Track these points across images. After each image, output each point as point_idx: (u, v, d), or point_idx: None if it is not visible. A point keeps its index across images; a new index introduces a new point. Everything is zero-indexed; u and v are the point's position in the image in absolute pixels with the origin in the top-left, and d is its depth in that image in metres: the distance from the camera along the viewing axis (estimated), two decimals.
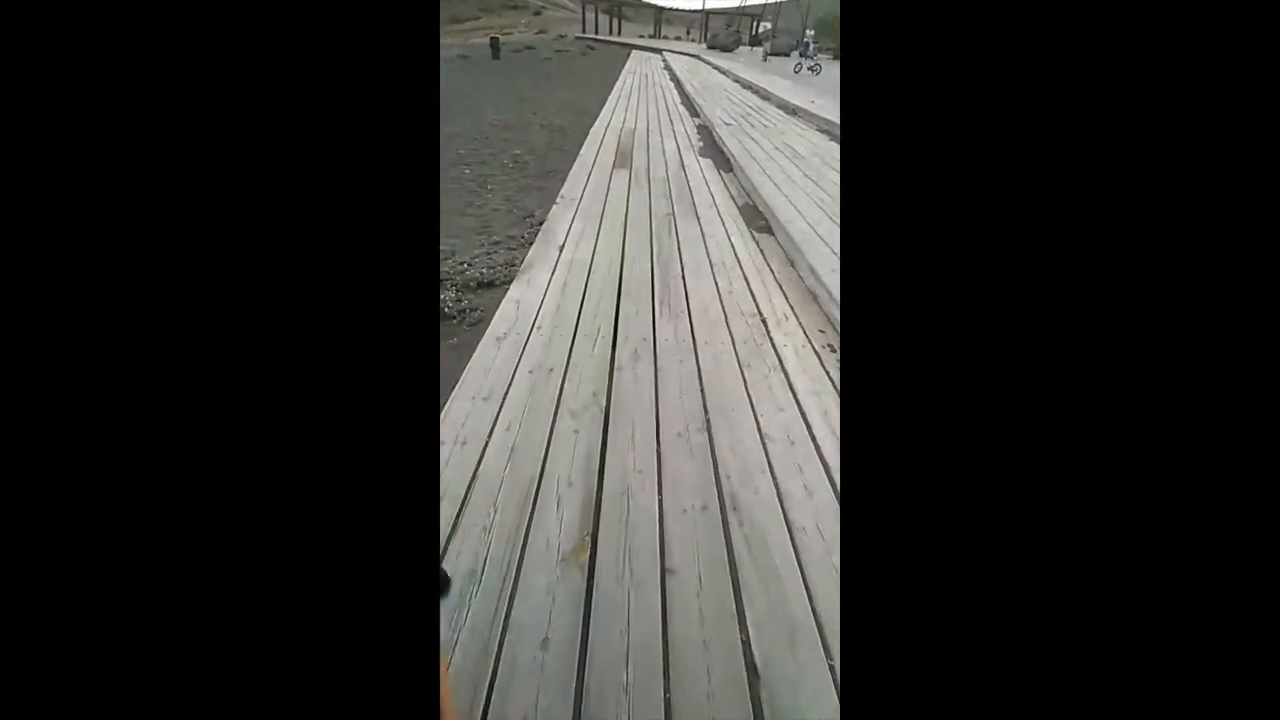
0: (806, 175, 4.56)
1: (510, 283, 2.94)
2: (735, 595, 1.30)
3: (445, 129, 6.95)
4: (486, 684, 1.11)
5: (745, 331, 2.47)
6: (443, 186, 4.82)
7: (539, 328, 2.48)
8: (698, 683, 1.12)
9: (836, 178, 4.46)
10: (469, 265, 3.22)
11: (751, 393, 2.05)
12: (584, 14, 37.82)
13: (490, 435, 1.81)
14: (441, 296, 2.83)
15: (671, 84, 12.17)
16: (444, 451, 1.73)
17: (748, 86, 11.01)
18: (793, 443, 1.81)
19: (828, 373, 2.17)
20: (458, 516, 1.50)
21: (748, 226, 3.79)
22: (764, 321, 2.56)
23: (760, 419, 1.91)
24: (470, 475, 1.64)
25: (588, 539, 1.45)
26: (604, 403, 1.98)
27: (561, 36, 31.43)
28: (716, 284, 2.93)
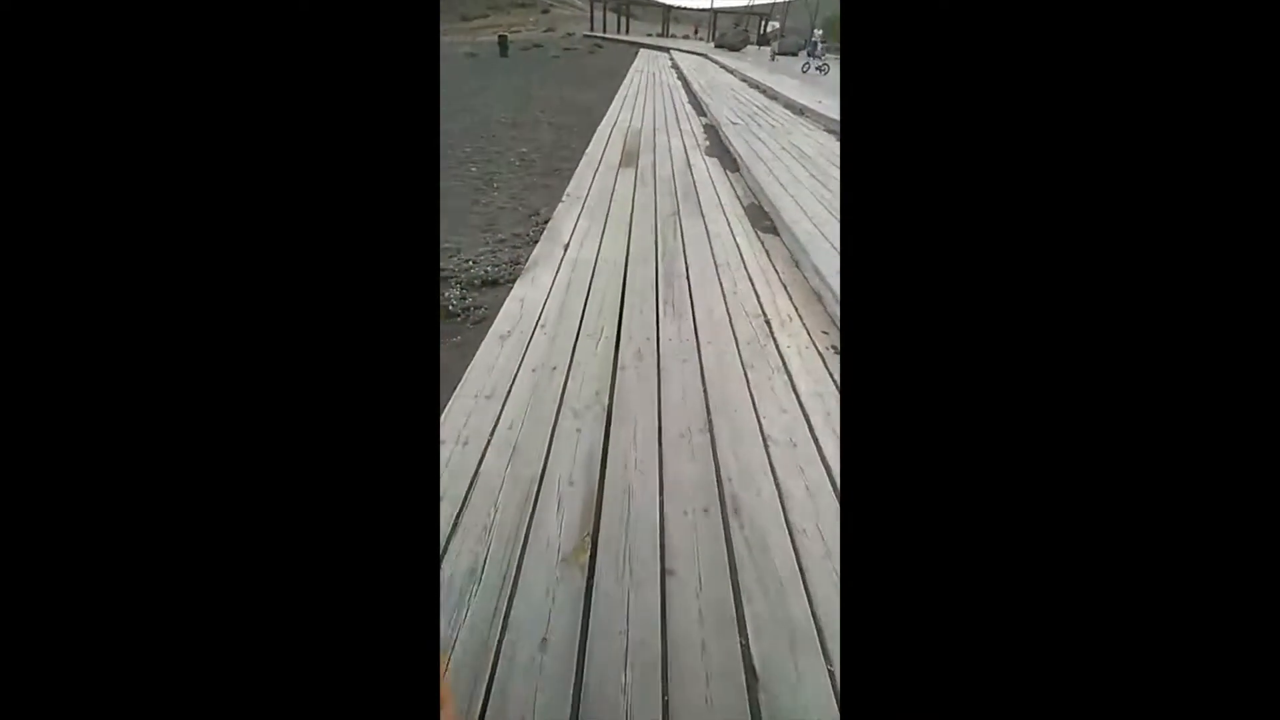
0: (813, 175, 4.54)
1: (514, 281, 2.94)
2: (735, 598, 1.30)
3: (453, 125, 6.96)
4: (485, 683, 1.11)
5: (749, 332, 2.46)
6: (449, 183, 4.83)
7: (543, 326, 2.48)
8: (696, 685, 1.12)
9: None
10: (473, 263, 3.23)
11: (754, 394, 2.04)
12: (592, 12, 37.80)
13: (492, 434, 1.81)
14: (446, 294, 2.83)
15: (679, 83, 12.14)
16: (445, 450, 1.73)
17: (755, 86, 10.98)
18: (795, 445, 1.80)
19: (831, 374, 2.17)
20: (458, 515, 1.50)
21: (753, 227, 3.78)
22: (768, 322, 2.56)
23: (763, 420, 1.90)
24: (472, 474, 1.64)
25: (588, 539, 1.45)
26: (606, 402, 1.98)
27: (569, 35, 31.42)
28: (721, 284, 2.92)
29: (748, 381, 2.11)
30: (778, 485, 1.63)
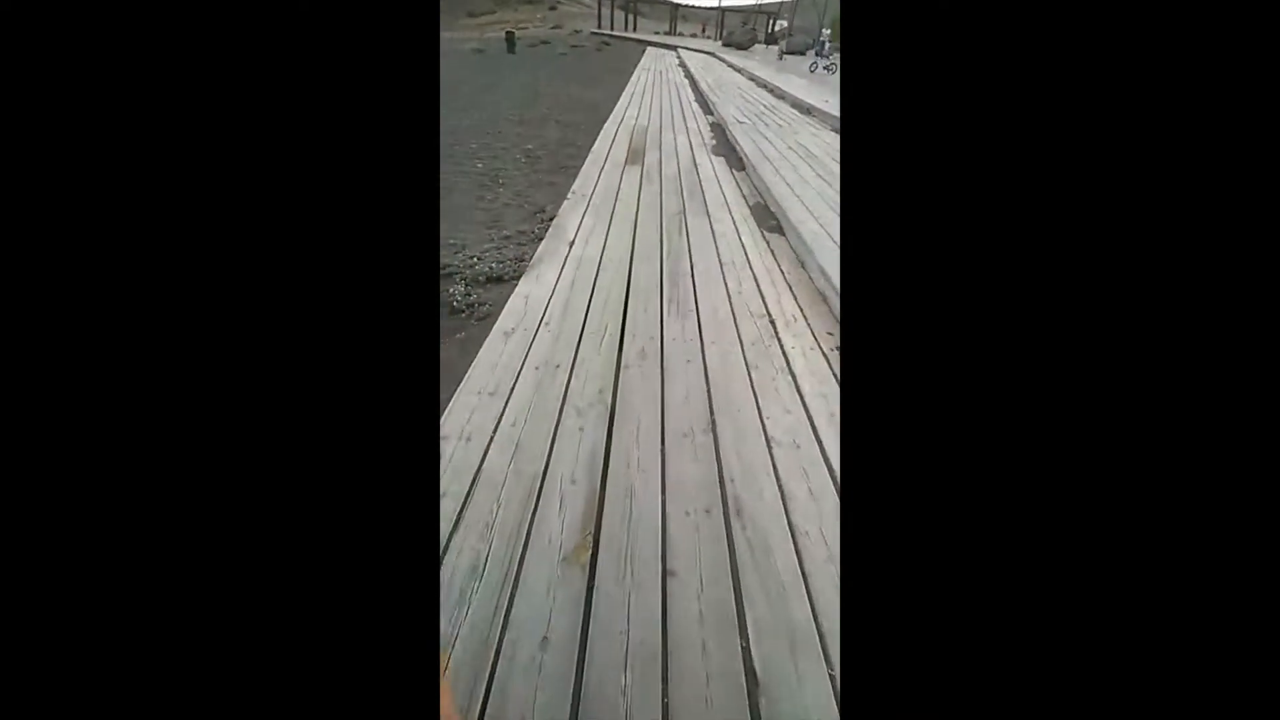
0: (819, 175, 4.52)
1: (519, 278, 2.93)
2: (736, 600, 1.29)
3: (459, 122, 6.96)
4: (485, 681, 1.11)
5: (754, 332, 2.46)
6: (455, 179, 4.83)
7: (547, 324, 2.48)
8: (696, 686, 1.12)
9: None
10: (478, 259, 3.22)
11: (758, 394, 2.03)
12: (599, 10, 37.73)
13: (495, 431, 1.81)
14: (450, 290, 2.83)
15: (686, 81, 12.11)
16: (449, 446, 1.73)
17: (762, 85, 10.95)
18: (798, 446, 1.79)
19: (835, 376, 2.16)
20: (461, 512, 1.50)
21: (759, 226, 3.77)
22: (773, 323, 2.55)
23: (766, 421, 1.90)
24: (474, 471, 1.64)
25: (589, 538, 1.44)
26: (610, 401, 1.98)
27: (577, 32, 31.39)
28: (726, 284, 2.92)
29: (751, 382, 2.11)
30: (780, 487, 1.62)
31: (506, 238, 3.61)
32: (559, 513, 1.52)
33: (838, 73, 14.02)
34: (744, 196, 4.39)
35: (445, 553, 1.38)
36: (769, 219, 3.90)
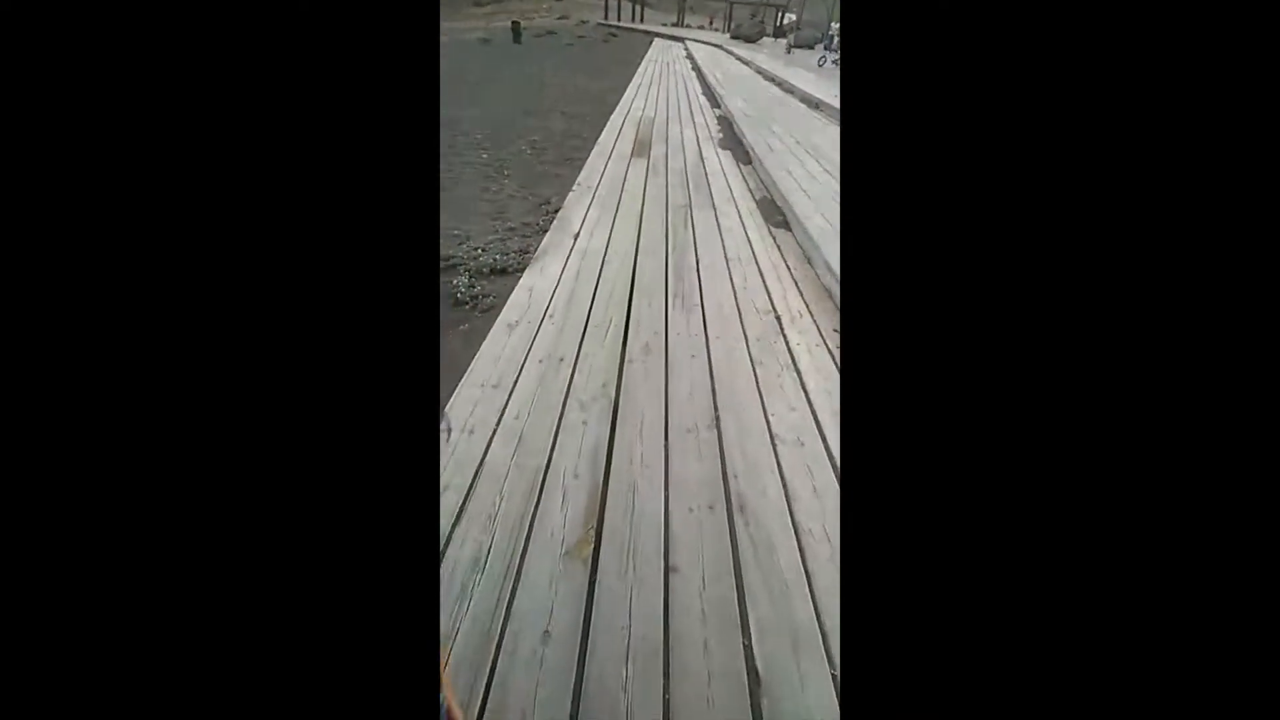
0: (826, 171, 4.49)
1: (523, 270, 2.92)
2: (739, 597, 1.29)
3: (465, 112, 6.93)
4: (486, 674, 1.11)
5: (759, 328, 2.44)
6: (460, 170, 4.81)
7: (551, 317, 2.47)
8: (698, 684, 1.11)
9: None
10: (483, 250, 3.21)
11: (763, 391, 2.02)
12: (606, 0, 37.49)
13: (498, 423, 1.81)
14: (454, 281, 2.82)
15: (693, 73, 12.04)
16: (452, 438, 1.73)
17: (770, 78, 10.87)
18: (802, 443, 1.78)
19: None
20: (463, 504, 1.50)
21: (765, 221, 3.74)
22: (778, 319, 2.53)
23: (771, 418, 1.88)
24: (477, 463, 1.64)
25: (592, 532, 1.44)
26: (613, 395, 1.97)
27: (583, 22, 31.19)
28: (731, 279, 2.90)
29: (756, 378, 2.10)
30: (784, 484, 1.61)
31: (511, 229, 3.60)
32: (561, 507, 1.51)
33: None
34: (750, 191, 4.36)
35: (447, 545, 1.38)
36: (775, 214, 3.88)
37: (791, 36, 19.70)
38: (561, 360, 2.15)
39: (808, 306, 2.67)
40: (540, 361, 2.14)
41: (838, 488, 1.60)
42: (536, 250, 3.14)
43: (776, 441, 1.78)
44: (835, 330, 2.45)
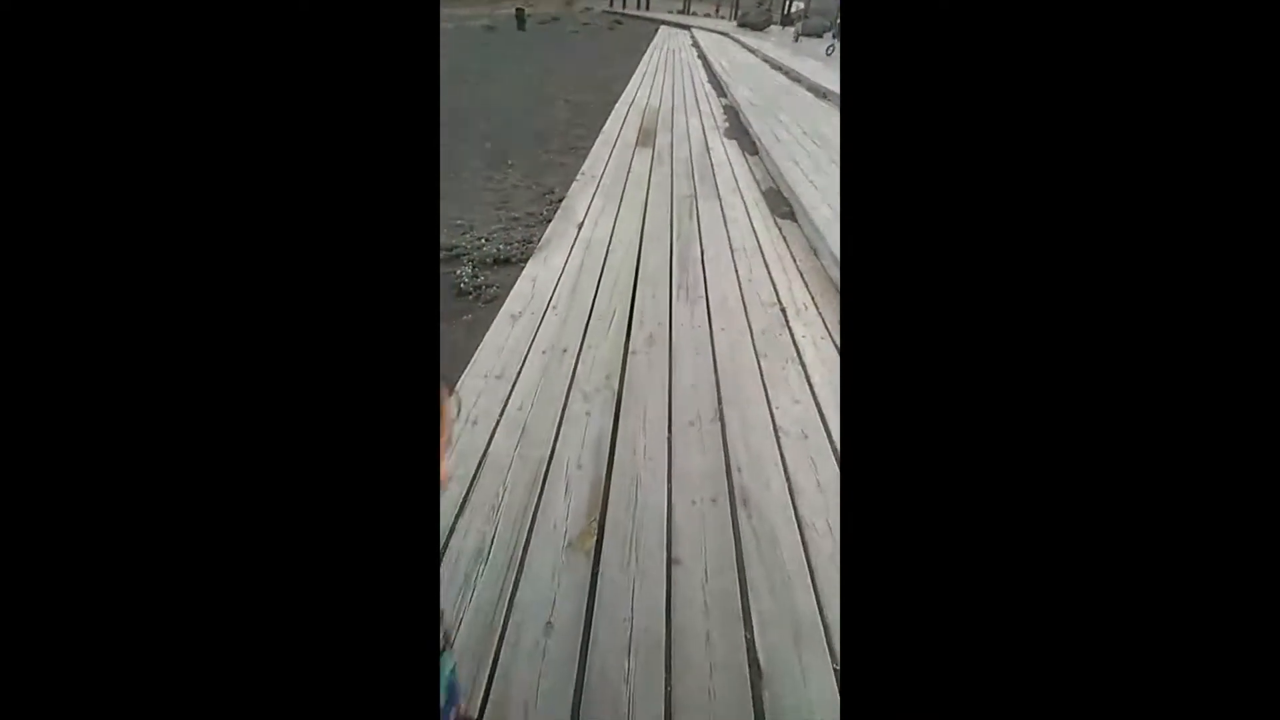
0: (833, 161, 4.45)
1: (527, 260, 2.91)
2: (741, 590, 1.29)
3: (468, 100, 6.88)
4: (489, 665, 1.11)
5: (764, 320, 2.43)
6: (464, 159, 4.79)
7: (554, 307, 2.46)
8: (700, 676, 1.12)
9: None
10: (486, 240, 3.20)
11: (767, 384, 2.01)
12: None
13: (502, 414, 1.80)
14: (458, 272, 2.81)
15: (699, 62, 11.92)
16: (454, 429, 1.72)
17: (777, 67, 10.75)
18: (806, 437, 1.78)
19: None
20: (467, 495, 1.50)
21: (771, 212, 3.71)
22: (783, 311, 2.52)
23: (775, 411, 1.88)
24: (480, 454, 1.64)
25: (594, 524, 1.44)
26: (617, 387, 1.96)
27: (588, 9, 30.89)
28: (736, 270, 2.88)
29: (760, 371, 2.09)
30: (788, 478, 1.61)
31: (515, 219, 3.58)
32: (564, 498, 1.51)
33: None
34: (756, 181, 4.33)
35: (451, 535, 1.38)
36: (781, 204, 3.85)
37: (799, 25, 19.46)
38: (565, 351, 2.15)
39: (813, 299, 2.65)
40: (544, 352, 2.13)
41: None
42: (540, 240, 3.13)
43: (780, 435, 1.77)
44: None
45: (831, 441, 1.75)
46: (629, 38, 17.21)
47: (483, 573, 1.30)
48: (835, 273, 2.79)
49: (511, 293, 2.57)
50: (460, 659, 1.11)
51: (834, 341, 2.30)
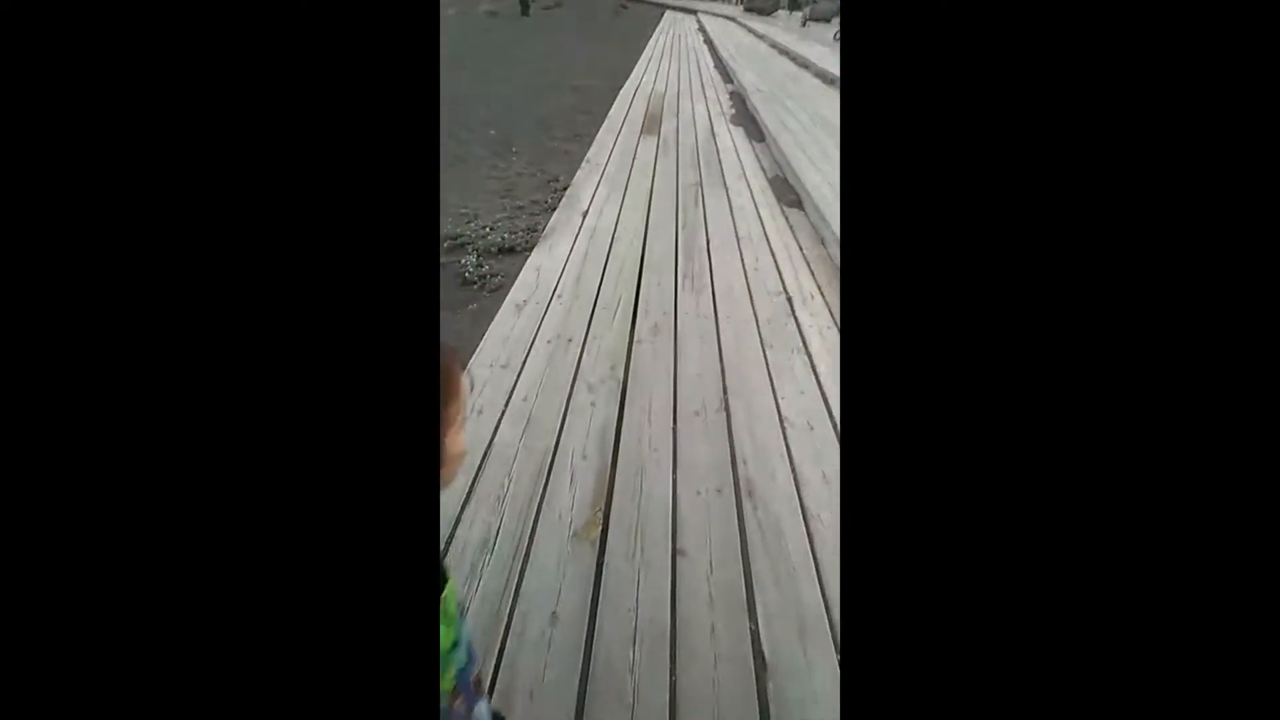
0: None
1: (532, 249, 2.89)
2: (746, 582, 1.29)
3: (472, 87, 6.83)
4: (495, 655, 1.12)
5: (770, 310, 2.41)
6: (468, 147, 4.75)
7: (559, 296, 2.45)
8: (704, 667, 1.12)
9: None
10: (491, 229, 3.18)
11: (773, 374, 2.00)
12: None
13: (507, 404, 1.80)
14: (462, 261, 2.80)
15: (705, 47, 11.77)
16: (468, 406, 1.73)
17: (784, 52, 10.60)
18: (812, 428, 1.77)
19: None
20: (472, 485, 1.50)
21: (777, 200, 3.68)
22: (789, 300, 2.50)
23: (781, 401, 1.87)
24: (486, 444, 1.64)
25: (599, 514, 1.44)
26: (621, 376, 1.96)
27: None
28: (742, 259, 2.86)
29: (766, 361, 2.07)
30: (793, 469, 1.60)
31: (519, 207, 3.56)
32: (570, 488, 1.51)
33: None
34: (763, 169, 4.28)
35: (456, 526, 1.38)
36: (788, 192, 3.81)
37: (807, 10, 19.19)
38: (570, 341, 2.14)
39: (820, 288, 2.63)
40: (549, 342, 2.13)
41: None
42: (545, 228, 3.11)
43: (786, 425, 1.77)
44: None
45: (838, 433, 1.74)
46: (634, 22, 17.00)
47: (488, 563, 1.30)
48: None
49: (516, 282, 2.56)
50: None
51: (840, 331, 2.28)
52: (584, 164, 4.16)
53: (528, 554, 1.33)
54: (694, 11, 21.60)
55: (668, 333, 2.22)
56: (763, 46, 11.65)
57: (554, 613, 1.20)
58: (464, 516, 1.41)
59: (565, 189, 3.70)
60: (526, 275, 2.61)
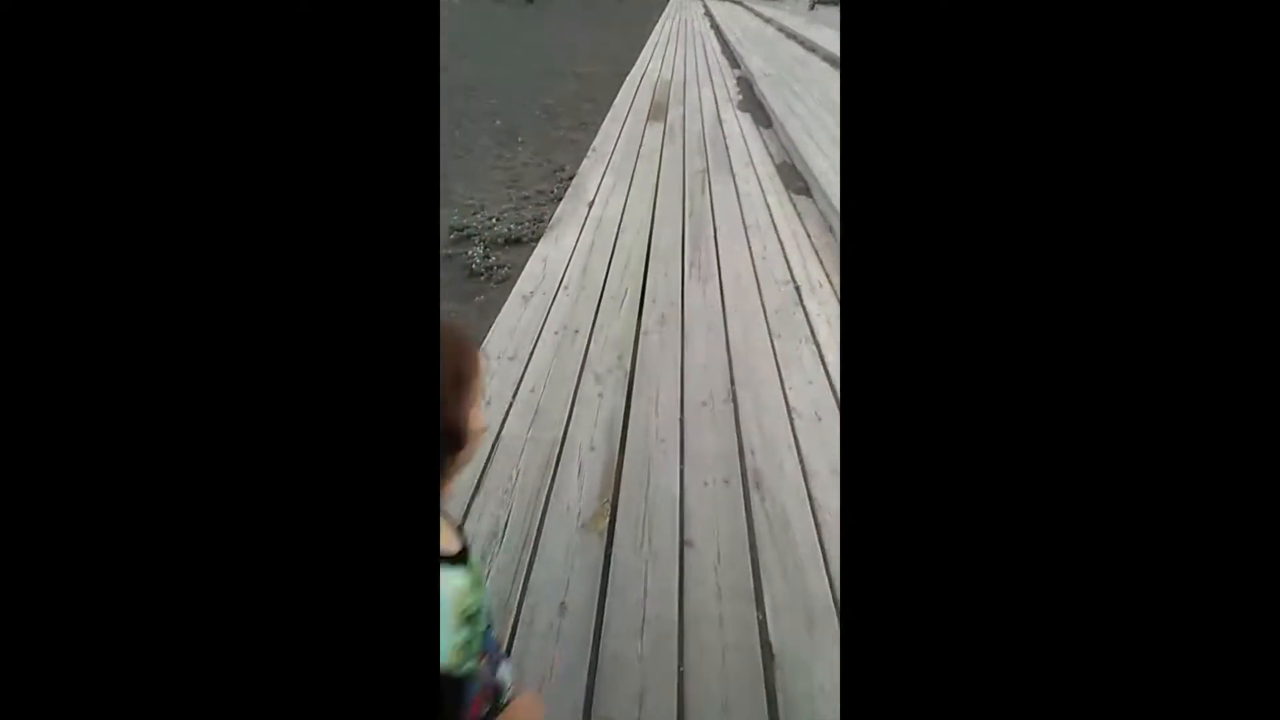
0: None
1: (538, 239, 2.89)
2: (754, 573, 1.29)
3: (477, 75, 6.79)
4: (504, 645, 1.13)
5: (777, 299, 2.39)
6: (473, 137, 4.74)
7: (566, 288, 2.44)
8: (712, 658, 1.12)
9: None
10: (497, 220, 3.17)
11: (780, 364, 1.99)
12: None
13: (514, 396, 1.81)
14: (469, 252, 2.80)
15: (711, 31, 11.61)
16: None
17: (792, 36, 10.43)
18: (820, 419, 1.76)
19: None
20: (481, 477, 1.51)
21: (785, 187, 3.64)
22: (797, 289, 2.48)
23: (789, 392, 1.86)
24: (494, 436, 1.64)
25: (607, 506, 1.44)
26: (629, 367, 1.95)
27: None
28: (750, 248, 2.84)
29: (774, 351, 2.06)
30: (801, 460, 1.60)
31: (525, 198, 3.54)
32: (577, 479, 1.52)
33: None
34: (770, 155, 4.23)
35: (465, 518, 1.39)
36: (796, 179, 3.76)
37: None
38: (577, 332, 2.14)
39: (828, 276, 2.61)
40: (556, 333, 2.13)
41: None
42: (551, 219, 3.10)
43: (794, 416, 1.76)
44: None
45: None
46: (640, 7, 16.79)
47: (497, 554, 1.31)
48: None
49: (523, 273, 2.55)
50: None
51: None
52: (590, 153, 4.13)
53: (536, 545, 1.34)
54: None
55: (675, 323, 2.21)
56: (770, 30, 11.48)
57: (562, 603, 1.21)
58: (473, 508, 1.42)
59: (571, 178, 3.68)
60: (533, 266, 2.61)
